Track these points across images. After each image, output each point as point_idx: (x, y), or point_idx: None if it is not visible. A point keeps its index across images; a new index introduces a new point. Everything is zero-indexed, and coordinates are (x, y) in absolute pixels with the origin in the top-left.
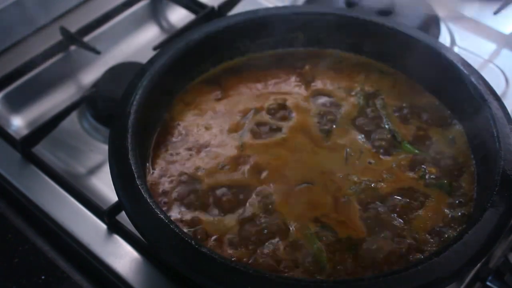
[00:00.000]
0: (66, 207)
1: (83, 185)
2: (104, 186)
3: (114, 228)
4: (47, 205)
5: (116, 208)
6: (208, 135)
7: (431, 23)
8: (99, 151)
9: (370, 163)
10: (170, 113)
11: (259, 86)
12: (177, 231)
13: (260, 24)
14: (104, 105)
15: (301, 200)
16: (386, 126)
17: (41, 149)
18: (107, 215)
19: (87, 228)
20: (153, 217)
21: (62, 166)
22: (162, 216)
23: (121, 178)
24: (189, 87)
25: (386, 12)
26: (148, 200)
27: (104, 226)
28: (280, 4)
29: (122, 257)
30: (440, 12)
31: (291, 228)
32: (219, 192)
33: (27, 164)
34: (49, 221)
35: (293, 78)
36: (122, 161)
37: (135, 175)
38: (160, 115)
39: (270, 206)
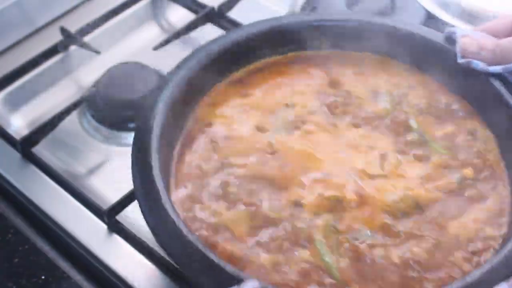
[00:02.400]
0: (66, 207)
1: (83, 185)
2: (104, 186)
3: (114, 228)
4: (47, 205)
5: (116, 208)
6: (235, 142)
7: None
8: (99, 151)
9: (403, 168)
10: (194, 123)
11: (284, 84)
12: (210, 256)
13: (282, 32)
14: (104, 105)
15: (329, 207)
16: (414, 127)
17: (41, 149)
18: (107, 215)
19: (87, 228)
20: (182, 240)
21: (62, 166)
22: (191, 239)
23: (146, 199)
24: (212, 93)
25: (384, 13)
26: (176, 223)
27: (104, 226)
28: (280, 4)
29: (122, 257)
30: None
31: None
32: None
33: (27, 164)
34: (49, 221)
35: (318, 78)
36: (147, 181)
37: (161, 196)
38: (182, 126)
39: (300, 213)
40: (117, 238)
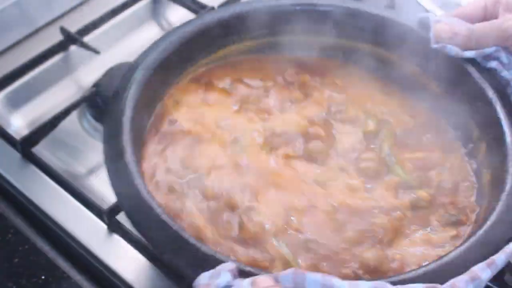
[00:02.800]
0: (66, 207)
1: (83, 185)
2: (104, 186)
3: (114, 228)
4: (47, 205)
5: (116, 208)
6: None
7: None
8: (99, 151)
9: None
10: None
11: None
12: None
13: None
14: (104, 105)
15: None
16: (385, 150)
17: (41, 149)
18: (107, 215)
19: (87, 228)
20: (156, 219)
21: (62, 166)
22: (164, 218)
23: (121, 182)
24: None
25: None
26: (153, 206)
27: (104, 226)
28: None
29: (122, 257)
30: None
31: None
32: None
33: (27, 164)
34: (49, 221)
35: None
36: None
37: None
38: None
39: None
40: (117, 238)
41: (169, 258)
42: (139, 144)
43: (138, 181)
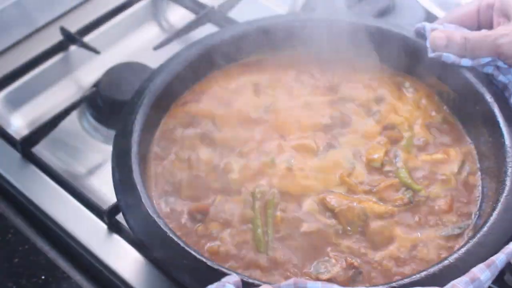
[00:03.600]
0: (66, 207)
1: (83, 185)
2: (104, 186)
3: (114, 228)
4: (47, 205)
5: (116, 208)
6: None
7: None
8: (99, 151)
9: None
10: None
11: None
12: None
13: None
14: (104, 105)
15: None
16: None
17: (41, 149)
18: (107, 215)
19: (87, 228)
20: (161, 234)
21: (62, 166)
22: (171, 235)
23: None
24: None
25: (384, 13)
26: (158, 223)
27: (104, 226)
28: (280, 4)
29: (122, 257)
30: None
31: None
32: None
33: (27, 164)
34: (49, 221)
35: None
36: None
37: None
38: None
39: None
40: (117, 238)
41: (175, 274)
42: None
43: (143, 195)
